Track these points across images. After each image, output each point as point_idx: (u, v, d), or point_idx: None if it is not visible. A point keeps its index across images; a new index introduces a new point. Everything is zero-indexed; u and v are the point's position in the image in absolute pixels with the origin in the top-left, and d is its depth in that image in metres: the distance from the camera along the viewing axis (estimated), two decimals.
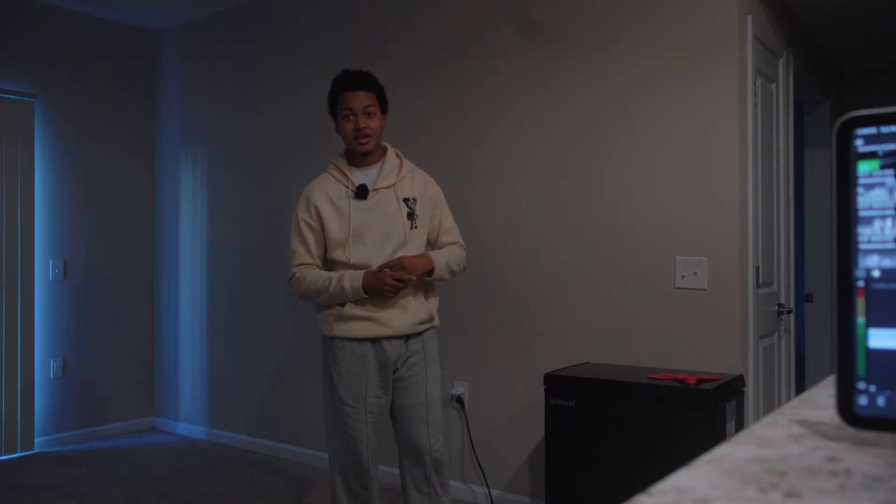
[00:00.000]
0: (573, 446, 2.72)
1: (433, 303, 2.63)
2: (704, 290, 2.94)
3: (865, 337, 0.58)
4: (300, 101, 4.34)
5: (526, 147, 3.41)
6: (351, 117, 2.51)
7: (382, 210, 2.53)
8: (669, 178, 3.03)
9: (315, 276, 2.50)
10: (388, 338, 2.50)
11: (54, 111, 4.69)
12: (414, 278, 2.45)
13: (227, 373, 4.72)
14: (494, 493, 3.45)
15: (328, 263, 2.59)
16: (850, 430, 0.62)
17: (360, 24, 4.06)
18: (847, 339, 0.58)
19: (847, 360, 0.58)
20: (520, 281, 3.41)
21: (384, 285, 2.40)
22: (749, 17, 3.01)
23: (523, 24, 3.43)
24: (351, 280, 2.43)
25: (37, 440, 4.53)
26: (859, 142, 0.58)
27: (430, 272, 2.53)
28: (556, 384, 2.78)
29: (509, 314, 3.44)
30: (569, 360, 3.20)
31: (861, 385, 0.58)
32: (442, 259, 2.56)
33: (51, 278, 4.65)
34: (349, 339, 2.49)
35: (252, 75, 4.62)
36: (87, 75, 4.84)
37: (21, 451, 4.42)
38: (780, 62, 3.51)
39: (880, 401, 0.57)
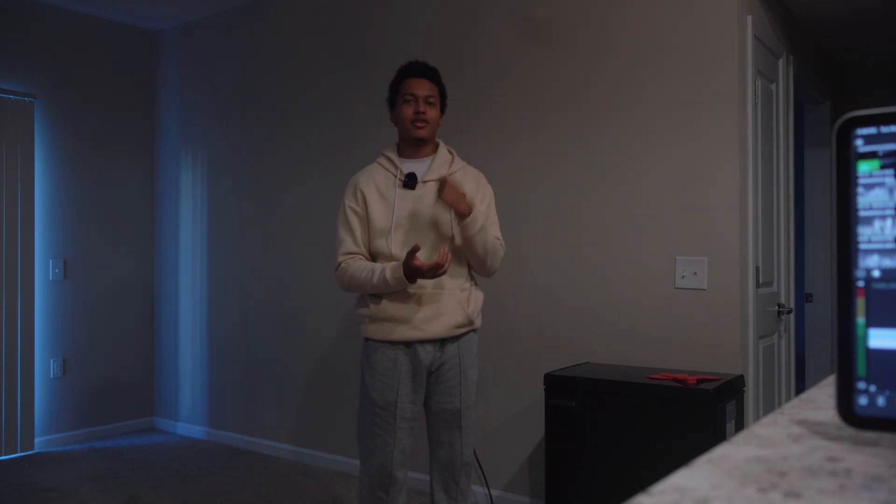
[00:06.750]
0: (573, 446, 2.72)
1: (474, 304, 2.52)
2: (704, 290, 2.94)
3: (865, 337, 0.58)
4: (301, 101, 4.34)
5: (525, 149, 3.41)
6: (412, 102, 2.48)
7: (430, 202, 2.45)
8: (669, 178, 3.03)
9: (358, 267, 2.42)
10: (422, 342, 2.42)
11: (54, 111, 4.69)
12: (446, 267, 2.27)
13: (227, 373, 4.72)
14: (494, 493, 3.45)
15: (370, 255, 2.50)
16: (850, 430, 0.62)
17: (361, 25, 4.06)
18: (847, 339, 0.58)
19: (847, 360, 0.58)
20: (520, 281, 3.41)
21: (426, 271, 2.27)
22: (749, 17, 3.01)
23: (522, 26, 3.43)
24: (392, 271, 2.34)
25: (37, 440, 4.53)
26: (859, 142, 0.58)
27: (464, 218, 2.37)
28: (556, 384, 2.78)
29: (509, 314, 3.44)
30: (569, 360, 3.20)
31: (861, 385, 0.58)
32: (481, 218, 2.41)
33: (51, 278, 4.65)
34: (382, 341, 2.44)
35: (252, 76, 4.62)
36: (87, 75, 4.84)
37: (21, 451, 4.42)
38: (780, 62, 3.51)
39: (880, 401, 0.57)
